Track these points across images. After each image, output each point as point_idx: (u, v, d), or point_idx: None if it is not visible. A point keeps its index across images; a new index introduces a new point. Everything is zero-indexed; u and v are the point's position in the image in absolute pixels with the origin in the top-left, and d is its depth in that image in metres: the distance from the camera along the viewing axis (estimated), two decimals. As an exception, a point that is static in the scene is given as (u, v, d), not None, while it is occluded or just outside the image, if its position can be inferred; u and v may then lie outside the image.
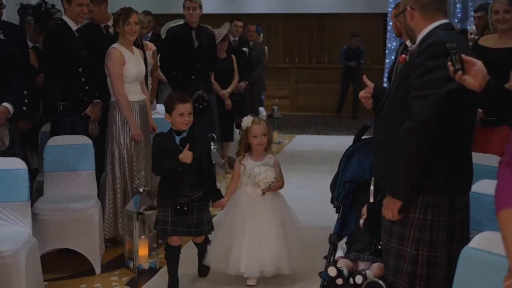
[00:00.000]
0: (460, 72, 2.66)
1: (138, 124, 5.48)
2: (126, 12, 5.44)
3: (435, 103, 2.84)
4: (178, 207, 4.41)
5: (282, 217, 4.71)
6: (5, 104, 4.55)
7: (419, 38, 3.07)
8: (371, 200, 3.34)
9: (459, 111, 2.92)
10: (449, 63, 2.69)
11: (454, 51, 2.65)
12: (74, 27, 5.39)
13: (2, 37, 4.70)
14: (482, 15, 6.40)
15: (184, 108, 4.44)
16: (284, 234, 4.65)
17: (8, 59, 4.73)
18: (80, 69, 5.39)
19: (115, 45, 5.40)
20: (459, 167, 3.01)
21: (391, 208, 3.02)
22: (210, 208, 4.73)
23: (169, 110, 4.48)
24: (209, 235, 4.80)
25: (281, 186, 4.75)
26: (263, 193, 4.63)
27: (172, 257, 4.58)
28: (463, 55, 2.67)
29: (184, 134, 4.48)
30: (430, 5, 3.05)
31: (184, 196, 4.43)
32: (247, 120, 4.70)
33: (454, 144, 2.98)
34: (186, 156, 4.39)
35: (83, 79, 5.42)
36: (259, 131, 4.66)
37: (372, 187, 3.33)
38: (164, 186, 4.57)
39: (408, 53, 3.14)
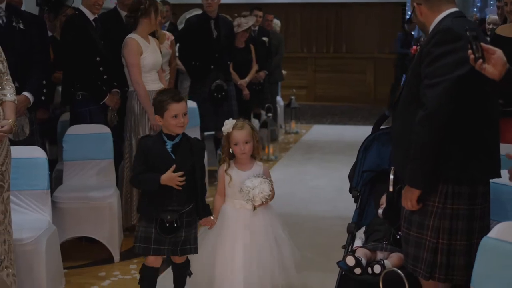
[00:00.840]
0: (480, 60, 2.65)
1: None
2: (156, 4, 5.46)
3: (446, 90, 2.83)
4: (165, 225, 3.76)
5: (275, 232, 4.09)
6: (25, 93, 4.58)
7: (430, 30, 3.08)
8: (391, 189, 3.33)
9: (472, 97, 2.90)
10: (470, 51, 2.67)
11: (474, 39, 2.64)
12: (91, 16, 5.41)
13: (22, 27, 4.72)
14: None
15: (179, 108, 3.76)
16: (278, 251, 4.04)
17: (28, 49, 4.76)
18: (98, 59, 5.41)
19: (131, 35, 5.40)
20: (479, 156, 2.99)
21: (409, 198, 3.02)
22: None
23: (160, 111, 3.80)
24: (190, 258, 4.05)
25: (273, 197, 4.06)
26: (255, 209, 3.99)
27: (149, 282, 3.93)
28: (482, 44, 2.65)
29: (177, 139, 3.81)
30: None
31: (172, 211, 3.77)
32: (228, 125, 4.05)
33: (471, 132, 2.96)
34: (169, 179, 3.71)
35: (101, 68, 5.44)
36: (240, 138, 4.00)
37: (391, 176, 3.33)
38: (148, 198, 3.85)
39: (419, 44, 3.14)
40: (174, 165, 3.71)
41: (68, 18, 5.64)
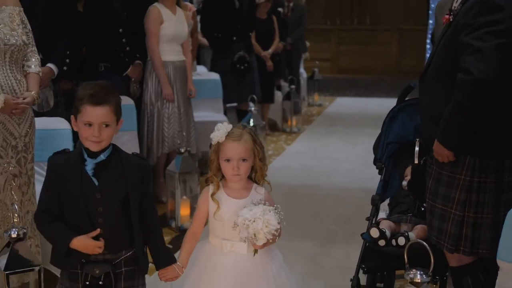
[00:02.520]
0: None
1: (174, 85, 5.50)
2: None
3: (488, 56, 2.76)
4: (89, 282, 2.64)
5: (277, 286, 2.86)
6: (49, 65, 4.58)
7: None
8: (416, 161, 3.28)
9: (510, 70, 2.84)
10: None
11: None
12: None
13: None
14: None
15: (95, 115, 2.60)
16: None
17: (52, 20, 4.74)
18: (121, 30, 5.40)
19: (155, 4, 5.40)
20: (507, 130, 2.94)
21: (440, 153, 2.98)
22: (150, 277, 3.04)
23: (75, 110, 2.67)
24: None
25: (280, 235, 2.80)
26: (256, 252, 2.80)
27: None
28: None
29: (102, 157, 2.65)
30: None
31: (99, 262, 2.64)
32: (220, 131, 2.82)
33: (506, 107, 2.91)
34: (84, 246, 2.59)
35: (123, 40, 5.43)
36: (234, 153, 2.81)
37: (417, 148, 3.28)
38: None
39: (451, 13, 3.05)
40: (98, 229, 2.59)
41: None
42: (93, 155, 2.64)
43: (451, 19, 3.00)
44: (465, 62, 2.81)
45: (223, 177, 2.89)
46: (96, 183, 2.62)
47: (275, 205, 2.80)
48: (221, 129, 2.81)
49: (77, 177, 2.61)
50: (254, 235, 2.70)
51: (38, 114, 4.20)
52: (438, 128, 2.95)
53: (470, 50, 2.79)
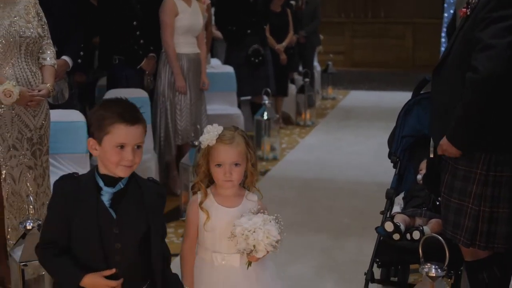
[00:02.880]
0: None
1: (187, 78, 5.51)
2: None
3: (498, 54, 2.74)
4: None
5: None
6: (64, 57, 4.60)
7: None
8: (431, 155, 3.26)
9: None
10: None
11: None
12: None
13: None
14: None
15: (130, 135, 2.29)
16: None
17: (66, 13, 4.76)
18: (135, 23, 5.41)
19: None
20: None
21: (447, 151, 2.97)
22: None
23: (98, 131, 2.32)
24: None
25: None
26: (249, 264, 2.62)
27: None
28: None
29: (121, 185, 2.34)
30: None
31: None
32: (210, 133, 2.62)
33: None
34: (100, 285, 2.30)
35: (137, 33, 5.44)
36: (226, 157, 2.61)
37: (432, 142, 3.26)
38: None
39: (469, 6, 3.02)
40: (114, 269, 2.31)
41: None
42: (112, 183, 2.32)
43: (468, 13, 2.98)
44: (475, 60, 2.80)
45: (210, 183, 2.69)
46: (114, 215, 2.30)
47: (275, 215, 2.59)
48: (211, 132, 2.60)
49: (92, 208, 2.28)
50: (254, 246, 2.51)
51: (53, 106, 4.22)
52: (449, 126, 2.94)
53: (480, 46, 2.78)
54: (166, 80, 5.51)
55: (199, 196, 2.67)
